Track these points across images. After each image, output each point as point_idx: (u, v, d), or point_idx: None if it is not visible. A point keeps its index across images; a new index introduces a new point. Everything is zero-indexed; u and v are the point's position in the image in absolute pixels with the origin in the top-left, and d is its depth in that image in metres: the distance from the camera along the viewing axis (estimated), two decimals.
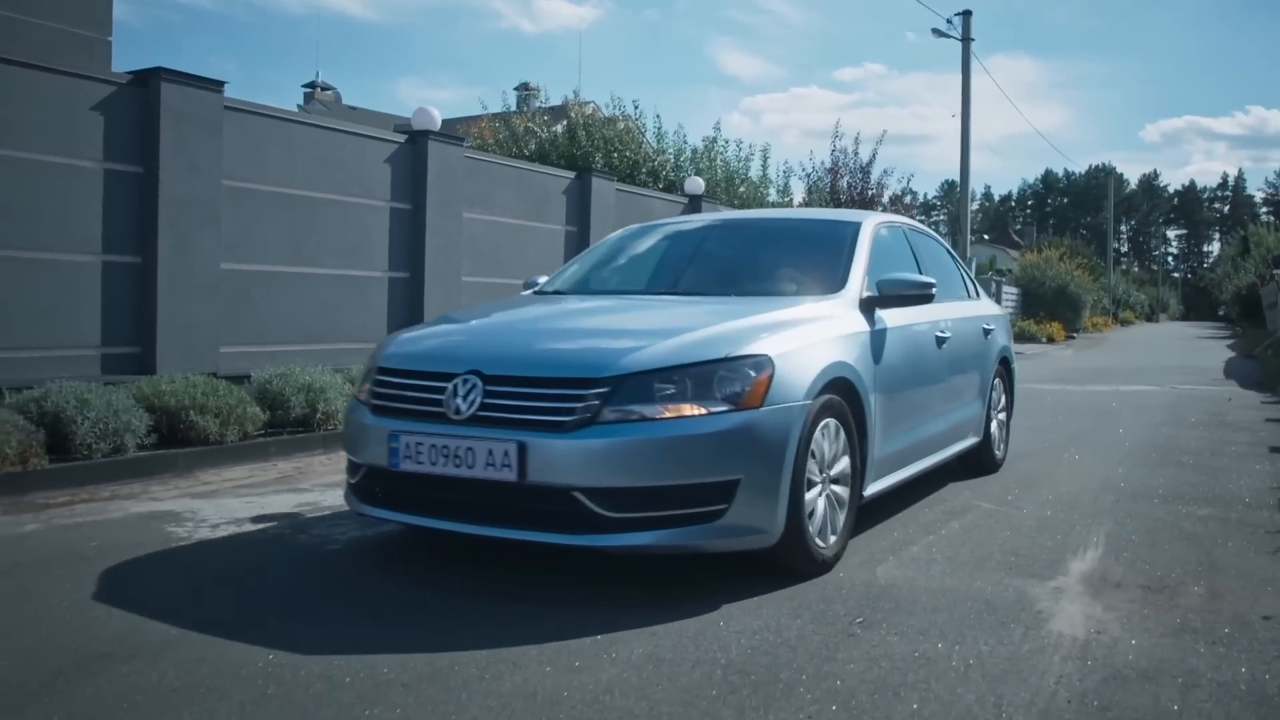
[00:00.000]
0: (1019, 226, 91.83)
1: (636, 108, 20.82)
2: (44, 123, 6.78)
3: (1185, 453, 7.55)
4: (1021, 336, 30.34)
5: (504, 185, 11.13)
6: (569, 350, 3.94)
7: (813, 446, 3.88)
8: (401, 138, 9.80)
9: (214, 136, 7.71)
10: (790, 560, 3.86)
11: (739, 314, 4.20)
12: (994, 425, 6.51)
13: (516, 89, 31.02)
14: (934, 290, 4.87)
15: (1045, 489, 5.99)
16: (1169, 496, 5.79)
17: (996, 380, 6.59)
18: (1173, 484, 6.20)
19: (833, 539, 4.07)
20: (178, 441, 6.32)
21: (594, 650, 3.06)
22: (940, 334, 5.45)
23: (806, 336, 4.11)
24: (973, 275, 6.90)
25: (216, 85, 7.76)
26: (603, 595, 3.64)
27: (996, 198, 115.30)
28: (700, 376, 3.64)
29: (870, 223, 5.31)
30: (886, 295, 4.76)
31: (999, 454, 6.68)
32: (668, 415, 3.55)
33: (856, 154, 23.38)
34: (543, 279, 5.68)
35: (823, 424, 3.97)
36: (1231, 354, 23.70)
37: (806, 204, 22.76)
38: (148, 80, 7.35)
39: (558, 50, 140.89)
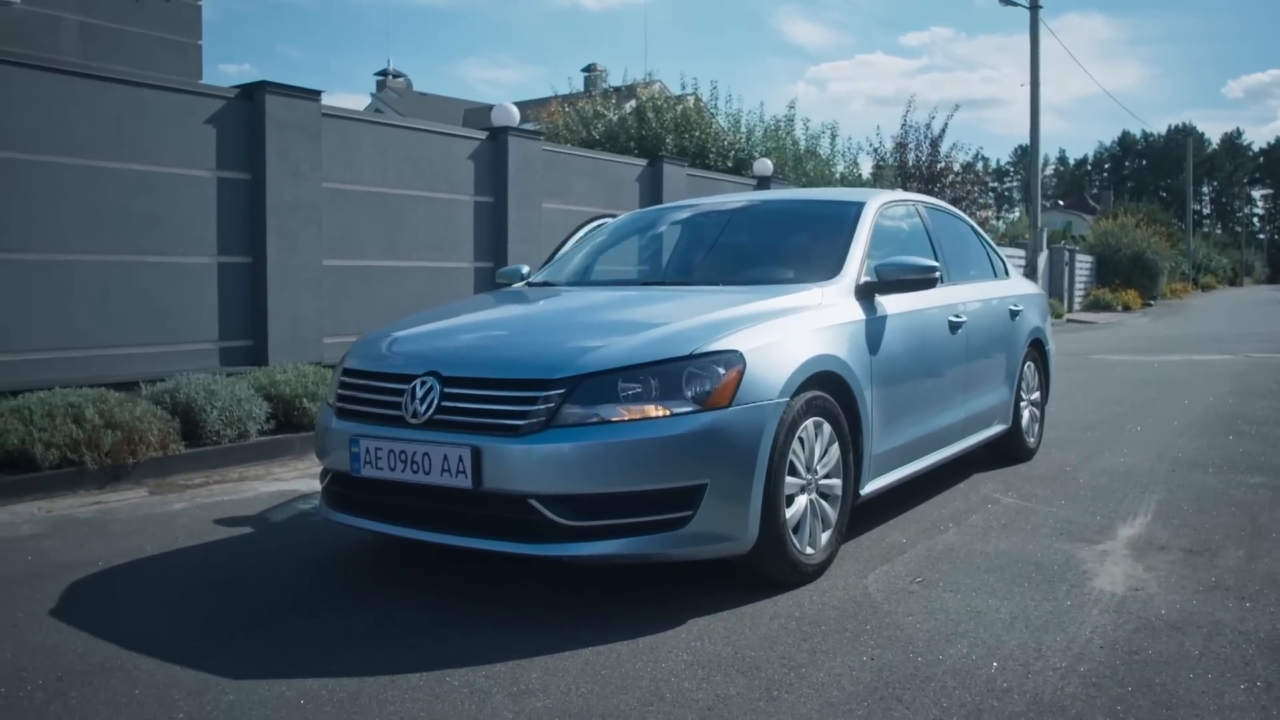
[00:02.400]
0: (1095, 191, 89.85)
1: (714, 86, 21.17)
2: (164, 137, 7.41)
3: (1248, 422, 7.76)
4: (1096, 305, 30.10)
5: (580, 175, 11.60)
6: (527, 349, 3.77)
7: (794, 446, 3.67)
8: (483, 134, 10.32)
9: (314, 142, 8.29)
10: (768, 569, 3.66)
11: (719, 305, 3.99)
12: (1025, 412, 6.23)
13: (584, 71, 31.54)
14: (937, 273, 4.54)
15: (1104, 459, 6.29)
16: (1224, 465, 6.06)
17: (1028, 364, 6.30)
18: (1230, 453, 6.46)
19: (822, 543, 3.87)
20: (292, 427, 6.90)
21: (677, 608, 3.52)
22: (955, 318, 5.16)
23: (786, 329, 3.86)
24: (1000, 253, 6.55)
25: (314, 94, 8.34)
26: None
27: (1072, 161, 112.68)
28: (664, 375, 3.45)
29: (874, 203, 5.00)
30: (886, 281, 4.46)
31: (1031, 442, 6.33)
32: (628, 417, 3.37)
33: (928, 128, 23.45)
34: (525, 269, 5.54)
35: (805, 422, 3.74)
36: None
37: (873, 179, 22.90)
38: (253, 93, 7.95)
39: (620, 26, 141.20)
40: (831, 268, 4.50)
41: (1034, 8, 23.70)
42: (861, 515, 4.52)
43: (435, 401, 3.55)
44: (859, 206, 4.95)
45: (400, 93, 38.87)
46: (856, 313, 4.31)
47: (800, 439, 3.73)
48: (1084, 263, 33.30)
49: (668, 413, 3.40)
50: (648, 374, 3.45)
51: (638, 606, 3.52)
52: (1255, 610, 3.48)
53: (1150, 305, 32.99)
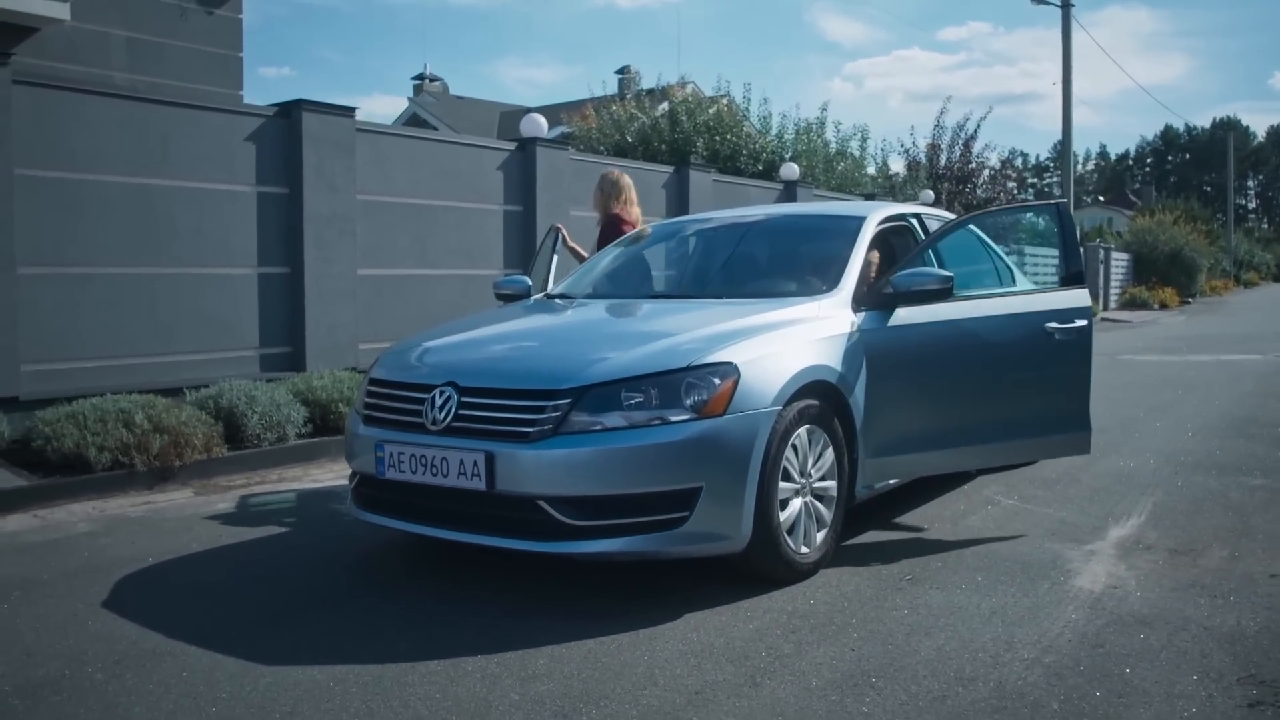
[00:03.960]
0: (1137, 186, 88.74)
1: (746, 88, 21.39)
2: (207, 154, 7.78)
3: (1261, 425, 7.88)
4: (1132, 303, 29.94)
5: None
6: (537, 360, 4.14)
7: (787, 452, 3.89)
8: (512, 145, 10.63)
9: (348, 157, 8.64)
10: (762, 566, 3.89)
11: (719, 319, 4.24)
12: None
13: (617, 73, 31.81)
14: (951, 284, 4.61)
15: (1110, 461, 6.45)
16: (1227, 467, 6.22)
17: None
18: (1236, 455, 6.61)
19: (817, 542, 4.08)
20: (329, 430, 7.22)
21: (677, 603, 3.78)
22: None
23: (782, 341, 4.09)
24: (1008, 262, 6.52)
25: (349, 111, 8.69)
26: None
27: (1113, 156, 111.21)
28: (663, 385, 3.71)
29: (875, 217, 5.17)
30: (901, 292, 4.58)
31: None
32: (629, 425, 3.65)
33: (961, 129, 23.55)
34: (528, 279, 5.81)
35: (799, 429, 3.96)
36: None
37: (905, 180, 22.99)
38: (291, 111, 8.31)
39: (654, 24, 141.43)
40: (830, 281, 4.69)
41: (1065, 6, 23.65)
42: (859, 515, 4.76)
43: (453, 410, 3.84)
44: (859, 221, 5.12)
45: (437, 96, 39.28)
46: (853, 325, 4.47)
47: (794, 445, 3.95)
48: (1120, 260, 33.08)
49: (666, 420, 3.67)
50: (648, 384, 3.72)
51: (638, 601, 3.79)
52: (1224, 607, 3.69)
53: (1188, 303, 32.71)
